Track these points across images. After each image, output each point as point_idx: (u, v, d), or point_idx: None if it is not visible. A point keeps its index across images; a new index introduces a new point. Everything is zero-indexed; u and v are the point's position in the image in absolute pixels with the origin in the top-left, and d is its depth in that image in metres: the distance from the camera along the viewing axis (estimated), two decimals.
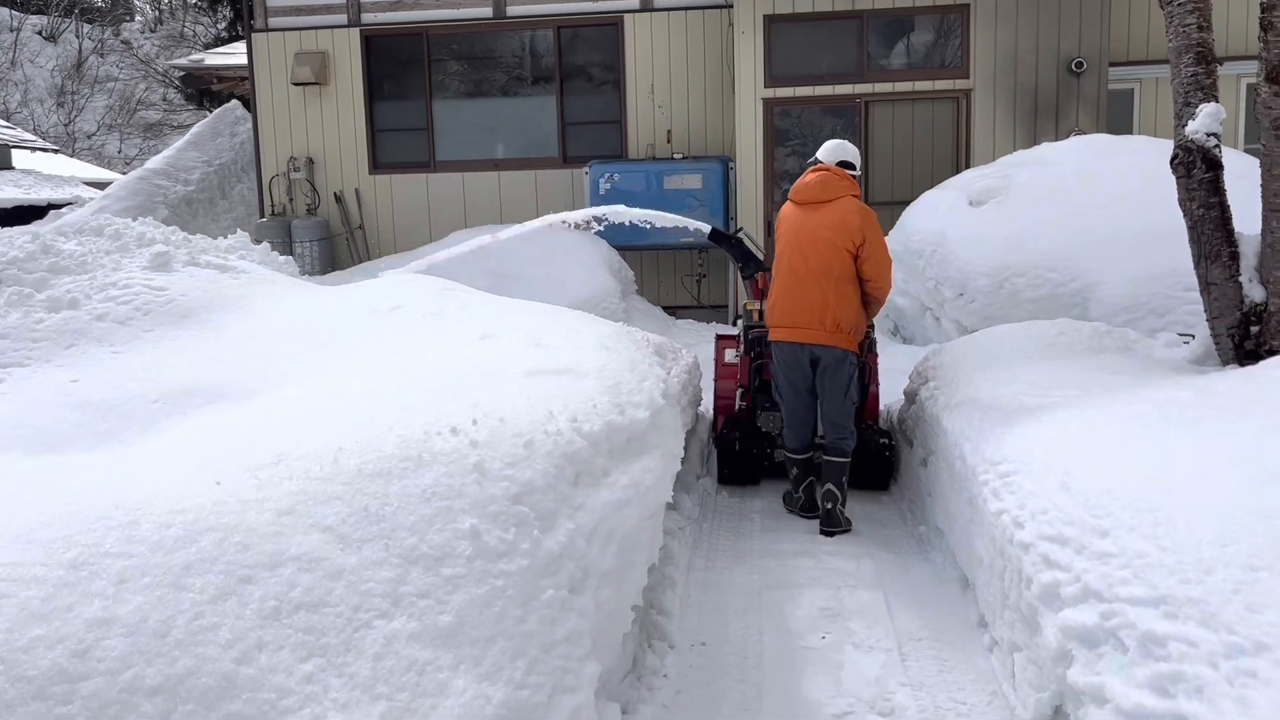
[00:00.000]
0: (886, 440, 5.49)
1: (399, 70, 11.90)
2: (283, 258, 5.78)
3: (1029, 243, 7.70)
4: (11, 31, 29.64)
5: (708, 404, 6.33)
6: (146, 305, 3.94)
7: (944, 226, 8.36)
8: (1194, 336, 5.55)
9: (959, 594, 4.07)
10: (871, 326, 5.48)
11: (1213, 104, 4.75)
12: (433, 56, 11.72)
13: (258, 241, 11.71)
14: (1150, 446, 3.16)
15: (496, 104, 11.86)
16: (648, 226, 7.01)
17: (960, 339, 5.81)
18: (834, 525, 4.82)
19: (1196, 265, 4.79)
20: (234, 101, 14.99)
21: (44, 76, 29.47)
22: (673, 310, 11.10)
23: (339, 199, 11.89)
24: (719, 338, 6.29)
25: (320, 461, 2.23)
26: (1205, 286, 4.76)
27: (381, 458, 2.29)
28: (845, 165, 5.03)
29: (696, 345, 9.33)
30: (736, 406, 5.68)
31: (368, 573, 1.91)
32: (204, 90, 17.07)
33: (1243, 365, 4.61)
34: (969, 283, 7.86)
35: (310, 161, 11.88)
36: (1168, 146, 8.59)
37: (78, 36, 30.81)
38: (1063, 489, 3.09)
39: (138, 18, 35.27)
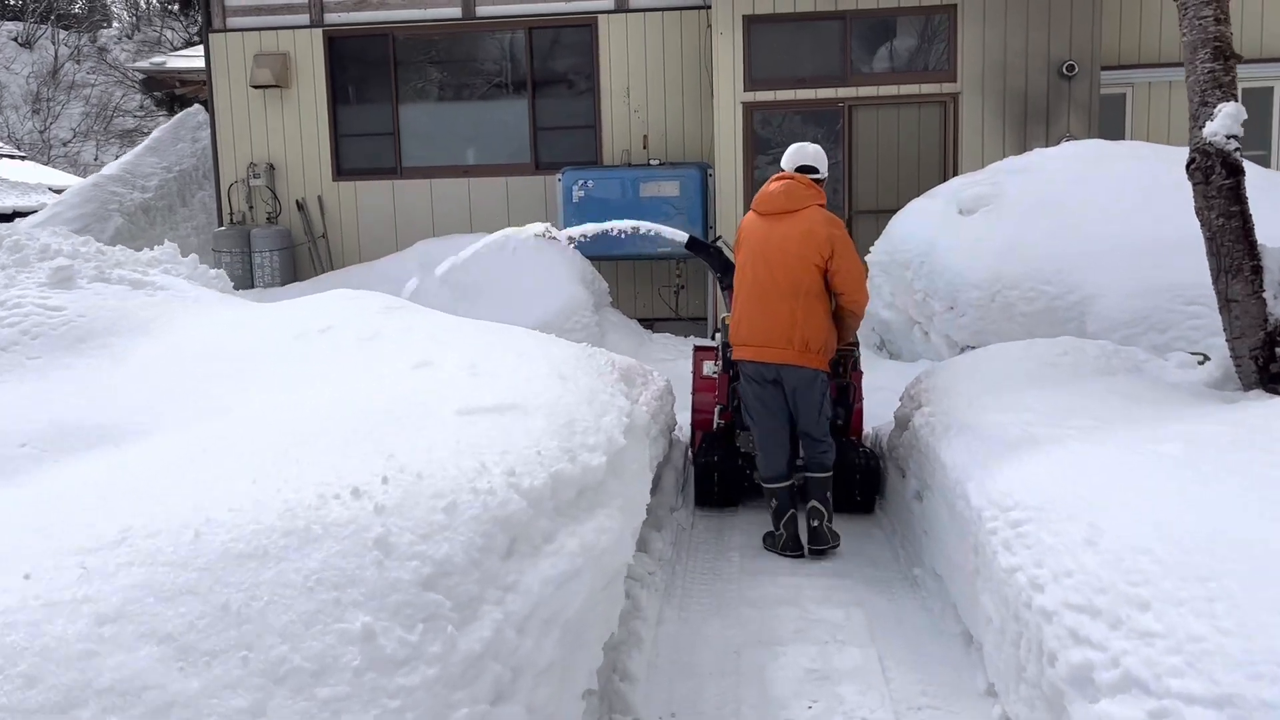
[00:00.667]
0: (872, 461, 5.25)
1: (364, 73, 11.41)
2: (214, 271, 5.29)
3: (1022, 253, 7.28)
4: None
5: (685, 421, 5.97)
6: (36, 328, 3.44)
7: (932, 236, 7.94)
8: (1207, 357, 5.14)
9: (961, 652, 3.62)
10: (856, 343, 5.29)
11: (1232, 103, 4.34)
12: (399, 58, 11.23)
13: (216, 251, 11.26)
14: (1189, 494, 2.72)
15: (466, 108, 11.39)
16: (623, 236, 6.70)
17: (955, 359, 5.37)
18: (822, 543, 4.58)
19: (1215, 280, 4.37)
20: (196, 106, 14.46)
21: (19, 83, 28.97)
22: (650, 323, 10.64)
23: (301, 207, 11.37)
24: (697, 349, 6.02)
25: (176, 539, 1.76)
26: (1225, 304, 4.33)
27: (258, 531, 1.82)
28: (808, 170, 4.75)
29: (673, 361, 8.89)
30: (715, 424, 5.43)
31: (211, 702, 1.43)
32: (172, 95, 16.50)
33: (1267, 389, 4.19)
34: (959, 295, 7.43)
35: (271, 168, 11.36)
36: (1167, 152, 8.28)
37: (54, 43, 30.34)
38: (1089, 546, 2.64)
39: (114, 24, 34.77)
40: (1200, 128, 4.36)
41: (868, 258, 8.48)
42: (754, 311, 4.64)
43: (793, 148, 4.86)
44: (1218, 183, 4.27)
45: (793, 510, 4.67)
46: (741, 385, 4.83)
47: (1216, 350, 4.86)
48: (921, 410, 4.68)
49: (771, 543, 4.71)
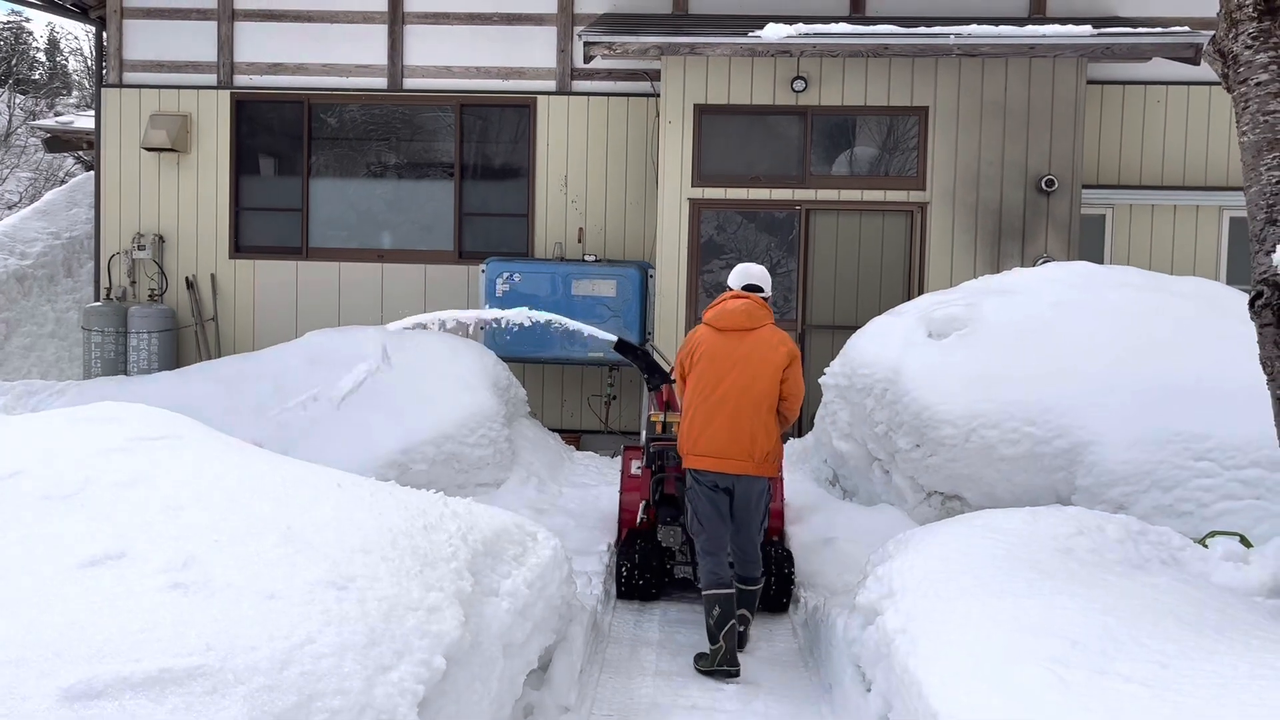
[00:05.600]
0: (787, 566, 5.52)
1: (273, 141, 10.28)
2: None
3: (1003, 387, 6.21)
4: None
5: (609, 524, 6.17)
6: None
7: (897, 360, 6.84)
8: (1241, 538, 4.06)
9: None
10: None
11: None
12: (314, 129, 10.13)
13: (86, 329, 9.88)
14: None
15: (385, 186, 10.27)
16: (544, 326, 6.49)
17: (937, 529, 4.18)
18: (743, 645, 4.73)
19: None
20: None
21: None
22: (576, 435, 9.41)
23: (191, 285, 10.08)
24: (626, 449, 6.21)
25: None
26: None
27: None
28: (754, 289, 5.03)
29: (594, 486, 7.65)
30: (640, 519, 5.64)
31: None
32: (78, 158, 15.29)
33: None
34: (928, 432, 6.30)
35: (160, 239, 10.09)
36: (1164, 281, 7.35)
37: (9, 107, 29.61)
38: None
39: (74, 93, 34.08)
40: (1267, 252, 3.32)
41: (821, 380, 7.40)
42: (714, 423, 4.76)
43: (739, 267, 5.13)
44: None
45: (733, 621, 4.55)
46: (692, 492, 4.89)
47: (1256, 537, 3.80)
48: (895, 606, 3.47)
49: (706, 663, 4.52)
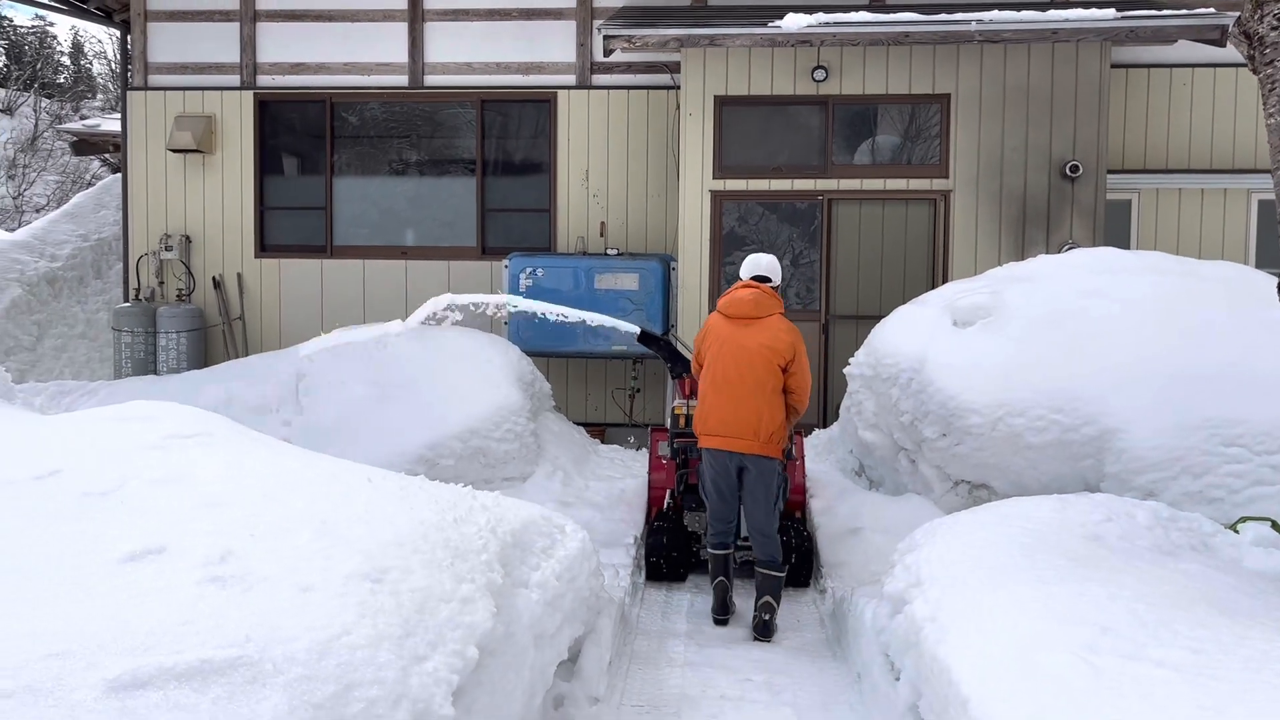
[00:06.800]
0: (805, 543, 5.85)
1: (296, 141, 10.35)
2: None
3: (1030, 375, 6.17)
4: None
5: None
6: None
7: (922, 350, 6.81)
8: (1272, 523, 4.02)
9: None
10: (798, 430, 6.13)
11: None
12: (336, 127, 10.20)
13: (116, 330, 10.00)
14: None
15: (407, 184, 10.32)
16: (556, 320, 6.52)
17: (965, 518, 4.17)
18: (767, 634, 4.97)
19: None
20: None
21: None
22: (600, 429, 9.44)
23: (218, 284, 10.18)
24: (653, 430, 6.61)
25: None
26: None
27: None
28: (763, 279, 5.34)
29: (620, 479, 7.67)
30: (666, 504, 6.07)
31: None
32: (105, 160, 15.47)
33: None
34: (955, 421, 6.28)
35: (187, 240, 10.20)
36: (1193, 266, 7.25)
37: (35, 111, 30.05)
38: None
39: (98, 96, 34.48)
40: None
41: (846, 370, 7.37)
42: (724, 405, 5.11)
43: (750, 258, 5.48)
44: None
45: (723, 578, 5.16)
46: (703, 468, 5.29)
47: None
48: (923, 594, 3.47)
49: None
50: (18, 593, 1.84)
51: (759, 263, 5.43)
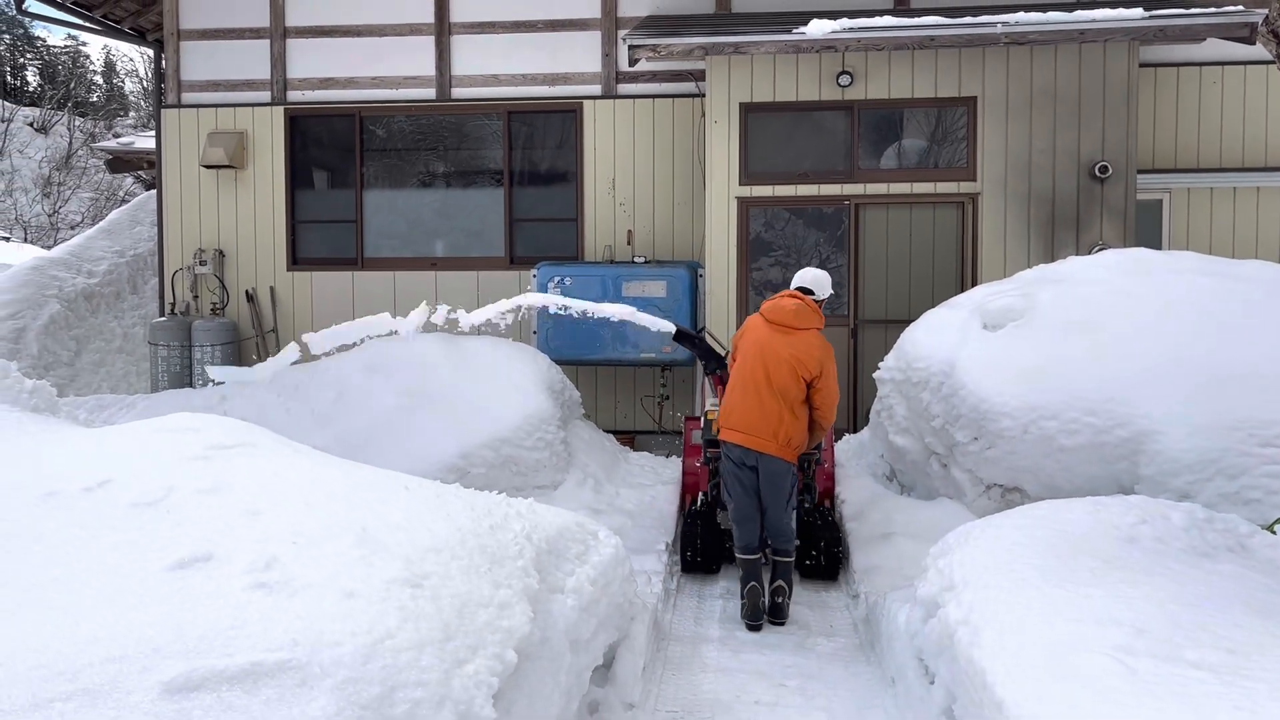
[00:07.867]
0: (834, 532, 6.04)
1: (326, 155, 10.49)
2: (30, 382, 4.12)
3: (1061, 377, 6.14)
4: (3, 122, 29.46)
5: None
6: None
7: (953, 353, 6.79)
8: None
9: None
10: (819, 446, 6.05)
11: None
12: (366, 141, 10.32)
13: (153, 344, 10.16)
14: None
15: (436, 196, 10.43)
16: (590, 319, 6.77)
17: (998, 520, 4.16)
18: (781, 617, 5.21)
19: None
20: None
21: (31, 167, 29.12)
22: (630, 436, 9.47)
23: (251, 298, 10.32)
24: (687, 419, 6.95)
25: None
26: None
27: None
28: (806, 291, 5.50)
29: (650, 487, 7.70)
30: (699, 502, 6.25)
31: None
32: (139, 177, 15.73)
33: None
34: (986, 425, 6.25)
35: (220, 254, 10.35)
36: (1224, 265, 7.19)
37: (69, 129, 30.62)
38: None
39: (131, 114, 35.08)
40: None
41: (876, 374, 7.36)
42: (748, 403, 5.28)
43: (801, 272, 5.66)
44: None
45: (754, 583, 5.21)
46: (723, 463, 5.45)
47: None
48: (957, 598, 3.47)
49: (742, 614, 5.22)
50: (74, 599, 1.90)
51: (803, 276, 5.62)
